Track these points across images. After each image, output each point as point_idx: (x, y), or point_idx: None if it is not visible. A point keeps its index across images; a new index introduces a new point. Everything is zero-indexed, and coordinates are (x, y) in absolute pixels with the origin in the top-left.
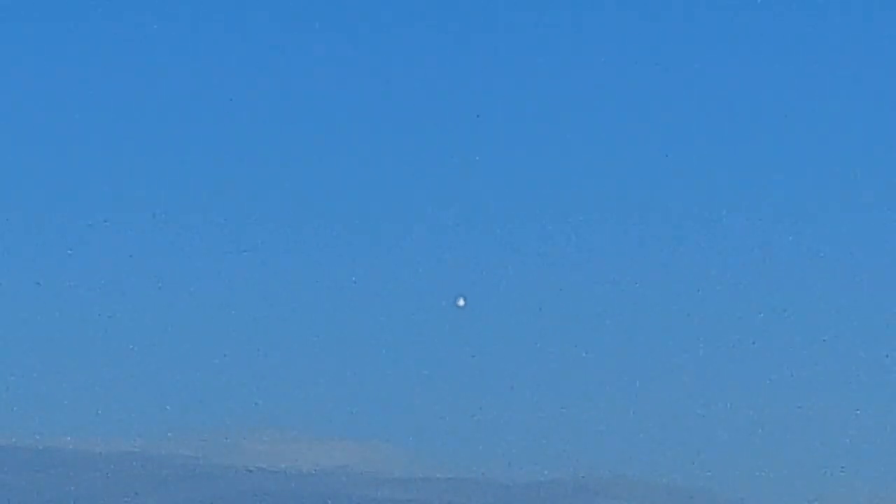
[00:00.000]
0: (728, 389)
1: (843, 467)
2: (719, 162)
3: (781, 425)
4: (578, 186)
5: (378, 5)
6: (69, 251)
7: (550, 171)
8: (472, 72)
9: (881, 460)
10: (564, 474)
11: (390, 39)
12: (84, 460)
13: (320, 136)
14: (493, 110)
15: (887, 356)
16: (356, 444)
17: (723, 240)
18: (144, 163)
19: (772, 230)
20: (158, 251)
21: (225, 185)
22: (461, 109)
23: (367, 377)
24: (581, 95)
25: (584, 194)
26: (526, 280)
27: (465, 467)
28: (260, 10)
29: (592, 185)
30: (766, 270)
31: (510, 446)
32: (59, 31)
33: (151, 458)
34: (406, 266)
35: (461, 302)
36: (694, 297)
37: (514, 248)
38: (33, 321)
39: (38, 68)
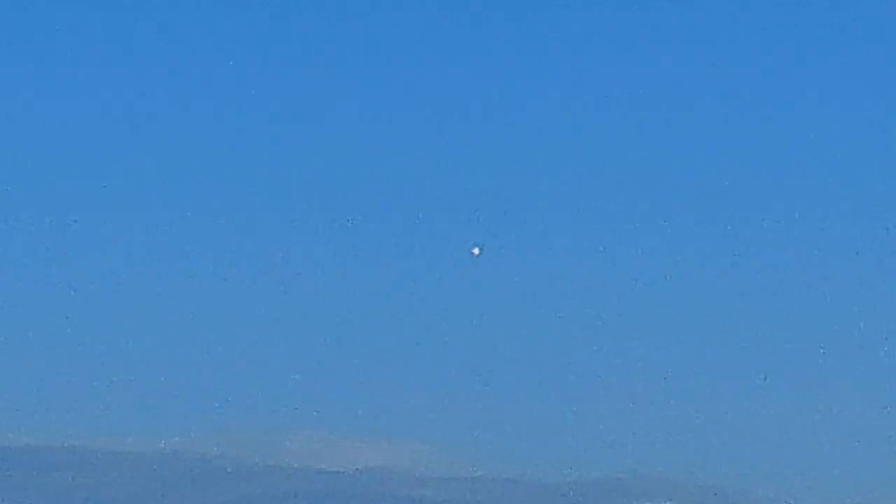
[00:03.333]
0: (768, 391)
1: (881, 469)
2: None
3: (820, 427)
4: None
5: (378, 5)
6: (102, 255)
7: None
8: (490, 35)
9: None
10: (603, 474)
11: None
12: (122, 460)
13: (336, 95)
14: (508, 71)
15: None
16: (393, 444)
17: (771, 233)
18: (157, 161)
19: (818, 227)
20: (194, 255)
21: (243, 178)
22: (476, 70)
23: (404, 377)
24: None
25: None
26: (569, 282)
27: (504, 467)
28: (260, 10)
29: (616, 146)
30: (812, 272)
31: (549, 446)
32: (58, 32)
33: (189, 458)
34: (441, 257)
35: (476, 251)
36: (735, 300)
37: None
38: (68, 323)
39: (39, 68)
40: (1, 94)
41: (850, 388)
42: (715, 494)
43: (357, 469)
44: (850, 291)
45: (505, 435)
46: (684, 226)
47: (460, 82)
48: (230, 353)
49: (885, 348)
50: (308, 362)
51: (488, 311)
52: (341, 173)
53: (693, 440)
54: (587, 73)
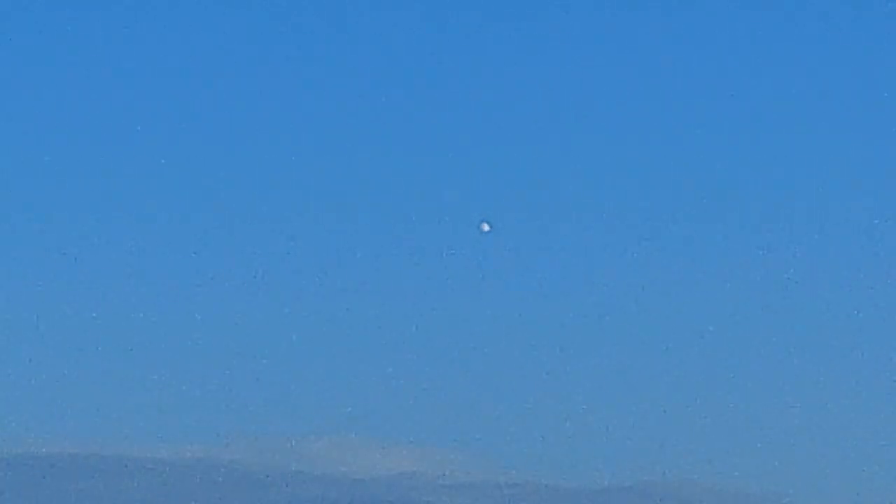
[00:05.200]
0: (796, 396)
1: None
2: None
3: (853, 433)
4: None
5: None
6: (125, 264)
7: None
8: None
9: None
10: (631, 479)
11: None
12: (147, 467)
13: (343, 76)
14: (514, 49)
15: None
16: (417, 450)
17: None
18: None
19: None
20: (216, 262)
21: (253, 179)
22: (482, 49)
23: (431, 382)
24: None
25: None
26: (603, 299)
27: (529, 472)
28: (260, 11)
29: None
30: (851, 274)
31: (575, 451)
32: (58, 34)
33: (213, 464)
34: (466, 268)
35: (486, 227)
36: (768, 305)
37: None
38: (92, 330)
39: (39, 70)
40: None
41: (885, 395)
42: (745, 500)
43: (383, 475)
44: (889, 298)
45: (534, 440)
46: (708, 220)
47: (470, 62)
48: (254, 360)
49: None
50: (333, 367)
51: (514, 314)
52: (350, 177)
53: (723, 446)
54: (598, 56)
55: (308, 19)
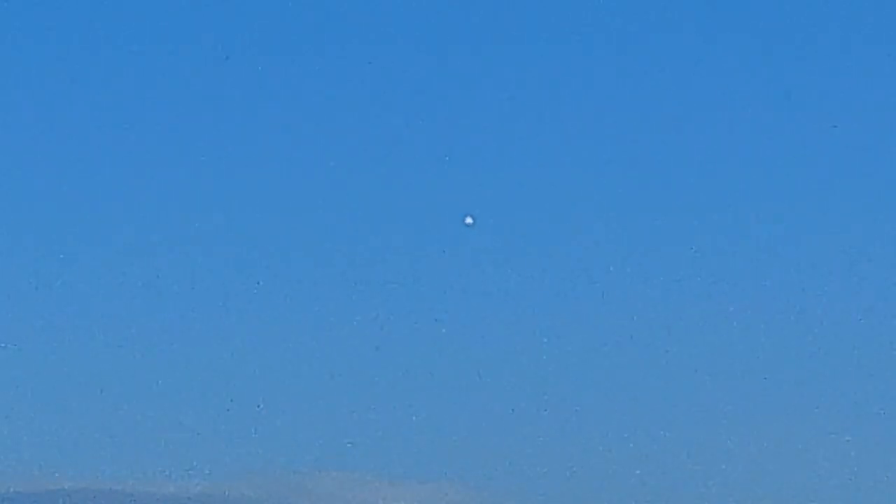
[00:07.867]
0: (809, 430)
1: None
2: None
3: (865, 470)
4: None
5: (379, 8)
6: (128, 299)
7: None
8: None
9: None
10: None
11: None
12: (150, 502)
13: (329, 77)
14: (501, 44)
15: None
16: (423, 486)
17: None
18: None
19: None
20: (219, 296)
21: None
22: (469, 40)
23: (434, 417)
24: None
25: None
26: (611, 325)
27: None
28: (260, 14)
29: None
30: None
31: (583, 486)
32: (58, 36)
33: (218, 500)
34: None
35: (469, 220)
36: (778, 322)
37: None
38: (94, 363)
39: (39, 71)
40: None
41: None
42: None
43: None
44: None
45: (541, 476)
46: (712, 221)
47: (453, 55)
48: (259, 393)
49: None
50: (339, 402)
51: (522, 349)
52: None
53: (736, 479)
54: (586, 50)
55: (298, 18)
